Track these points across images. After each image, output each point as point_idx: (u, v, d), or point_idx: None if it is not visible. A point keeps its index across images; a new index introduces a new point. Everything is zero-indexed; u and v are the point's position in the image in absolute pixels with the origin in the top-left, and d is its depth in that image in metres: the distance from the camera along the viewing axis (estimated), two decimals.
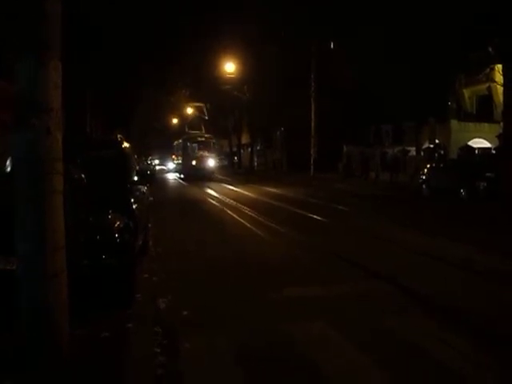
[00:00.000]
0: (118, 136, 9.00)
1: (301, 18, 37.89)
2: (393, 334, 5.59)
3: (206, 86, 50.84)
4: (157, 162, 74.24)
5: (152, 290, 7.12)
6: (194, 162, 41.98)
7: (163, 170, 63.94)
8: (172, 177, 49.95)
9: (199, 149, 43.24)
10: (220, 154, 68.22)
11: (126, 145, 8.83)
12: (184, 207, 19.80)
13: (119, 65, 26.21)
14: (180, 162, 48.65)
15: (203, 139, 45.07)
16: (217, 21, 35.98)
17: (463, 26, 25.53)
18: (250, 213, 17.27)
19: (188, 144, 44.59)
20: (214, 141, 45.99)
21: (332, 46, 44.24)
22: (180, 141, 49.61)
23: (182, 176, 45.80)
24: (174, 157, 62.33)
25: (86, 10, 17.96)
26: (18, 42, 4.27)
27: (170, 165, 62.88)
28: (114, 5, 20.14)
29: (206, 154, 42.98)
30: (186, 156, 43.84)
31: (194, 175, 39.97)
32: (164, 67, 35.76)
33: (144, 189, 9.73)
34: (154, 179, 9.20)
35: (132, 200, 7.54)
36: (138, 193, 8.40)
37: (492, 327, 5.77)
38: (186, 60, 41.70)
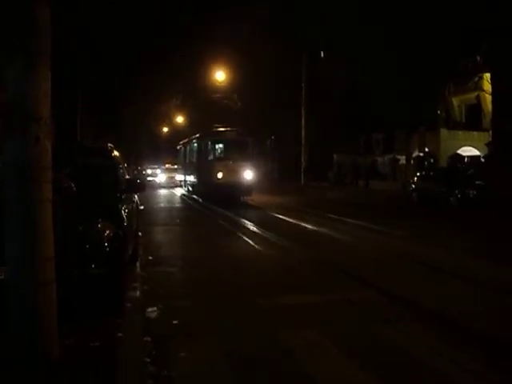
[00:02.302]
0: (108, 144, 8.96)
1: (293, 22, 38.10)
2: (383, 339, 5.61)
3: (197, 95, 50.82)
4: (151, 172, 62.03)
5: (142, 299, 7.08)
6: (219, 175, 25.36)
7: (154, 183, 50.05)
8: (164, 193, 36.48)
9: (228, 152, 26.88)
10: None
11: (115, 153, 8.79)
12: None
13: (110, 71, 26.18)
14: (190, 172, 32.81)
15: (235, 136, 27.46)
16: (207, 27, 36.03)
17: (452, 34, 25.77)
18: (238, 219, 17.31)
19: (209, 144, 27.40)
20: (251, 140, 27.86)
21: (322, 54, 44.43)
22: (192, 140, 32.90)
23: (186, 192, 33.85)
24: (167, 166, 52.72)
25: (78, 14, 17.95)
26: (6, 49, 4.25)
27: (162, 176, 50.30)
28: (105, 9, 20.13)
29: (240, 160, 26.17)
30: (206, 164, 27.09)
31: (220, 194, 24.66)
32: (154, 73, 35.54)
33: (134, 197, 9.70)
34: (144, 187, 9.12)
35: (122, 209, 7.51)
36: (127, 201, 8.37)
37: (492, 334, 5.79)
38: (176, 67, 41.61)
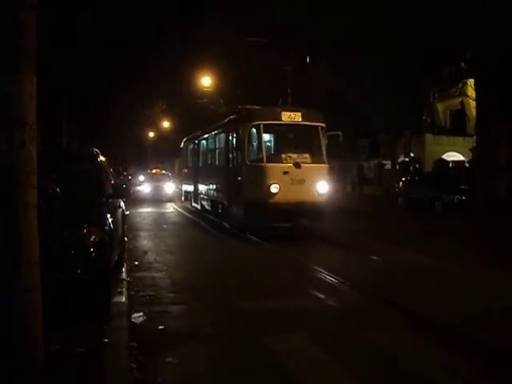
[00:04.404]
0: (94, 149, 8.93)
1: (279, 26, 38.19)
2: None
3: (183, 100, 50.73)
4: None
5: (128, 305, 7.06)
6: (274, 188, 14.66)
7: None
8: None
9: (289, 149, 15.74)
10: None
11: (101, 158, 8.77)
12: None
13: (96, 76, 26.07)
14: (208, 182, 20.90)
15: (300, 120, 15.70)
16: (193, 31, 35.96)
17: (437, 40, 26.02)
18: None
19: (253, 135, 15.84)
20: (323, 126, 16.06)
21: (308, 59, 44.62)
22: (215, 130, 20.44)
23: (196, 209, 23.55)
24: (154, 171, 40.04)
25: (62, 17, 17.85)
26: None
27: (146, 186, 33.55)
28: (91, 13, 20.02)
29: (309, 162, 15.39)
30: (246, 169, 15.74)
31: (273, 221, 14.98)
32: (140, 78, 35.20)
33: (120, 202, 9.67)
34: (129, 193, 9.07)
35: (107, 214, 7.48)
36: (113, 206, 8.35)
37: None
38: (161, 72, 41.49)
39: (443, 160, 36.30)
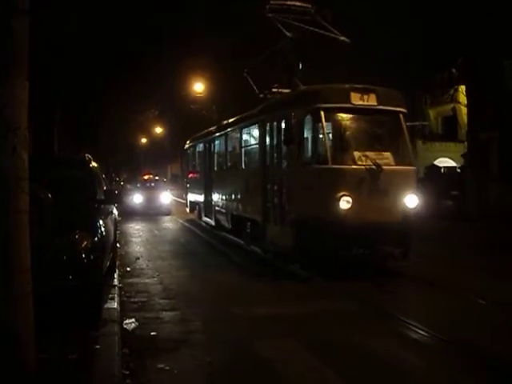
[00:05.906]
0: (86, 155, 8.93)
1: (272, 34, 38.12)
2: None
3: (175, 106, 50.71)
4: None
5: (119, 311, 7.04)
6: (344, 202, 9.79)
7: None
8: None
9: (361, 145, 10.58)
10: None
11: (93, 164, 8.76)
12: None
13: (88, 80, 25.96)
14: (229, 191, 16.06)
15: (375, 104, 10.73)
16: (185, 37, 35.87)
17: (429, 46, 26.15)
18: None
19: (311, 122, 10.83)
20: (404, 113, 11.23)
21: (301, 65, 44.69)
22: (244, 120, 14.96)
23: (207, 224, 19.51)
24: (146, 177, 37.38)
25: (54, 21, 17.77)
26: None
27: (138, 197, 27.61)
28: (85, 19, 19.92)
29: (391, 164, 10.44)
30: (300, 175, 10.69)
31: (344, 249, 10.13)
32: (132, 83, 34.94)
33: (112, 208, 9.65)
34: (121, 199, 9.01)
35: (99, 220, 7.47)
36: (105, 212, 8.33)
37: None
38: (154, 78, 41.42)
39: (435, 166, 36.44)
